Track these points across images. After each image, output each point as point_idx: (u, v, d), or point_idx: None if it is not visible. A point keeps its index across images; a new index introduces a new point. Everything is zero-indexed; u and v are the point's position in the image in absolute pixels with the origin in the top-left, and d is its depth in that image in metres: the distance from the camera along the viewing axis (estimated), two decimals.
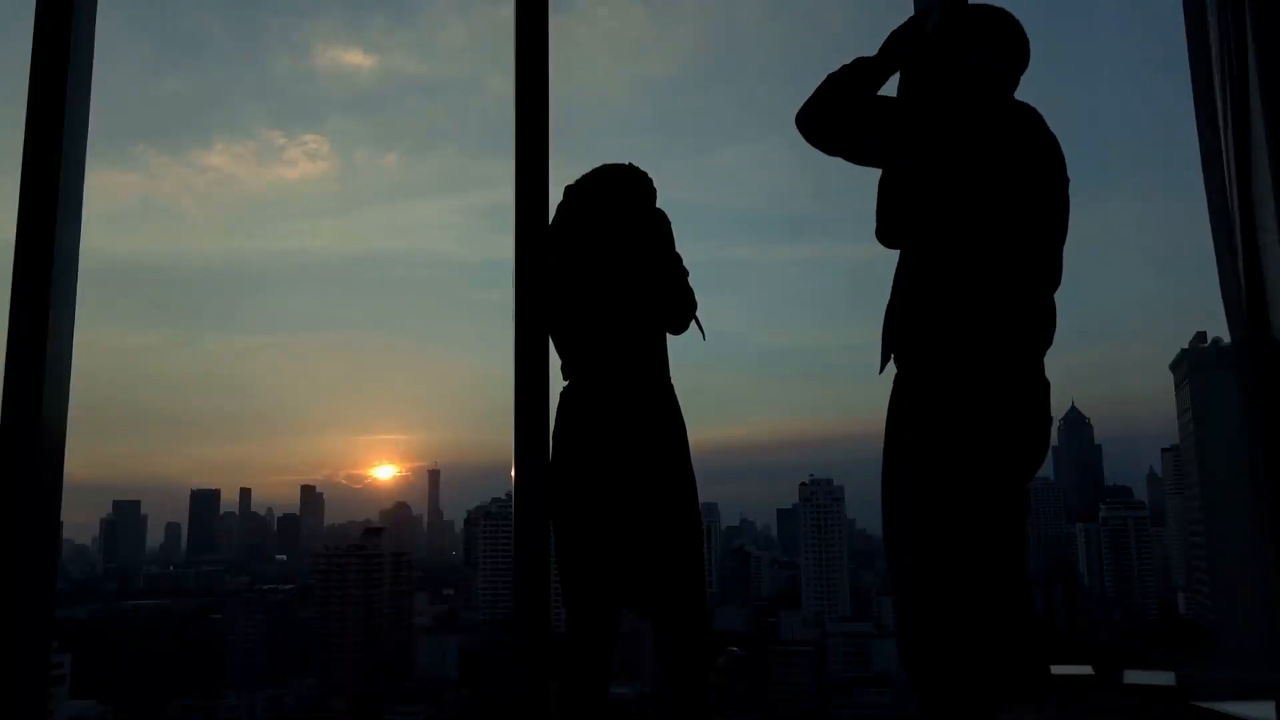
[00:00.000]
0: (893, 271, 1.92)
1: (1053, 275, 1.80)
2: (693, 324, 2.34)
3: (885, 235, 1.88)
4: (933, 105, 1.84)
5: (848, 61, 1.90)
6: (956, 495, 1.70)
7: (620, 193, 2.32)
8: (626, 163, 2.36)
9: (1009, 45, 1.89)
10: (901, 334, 1.84)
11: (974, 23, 1.90)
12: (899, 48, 1.90)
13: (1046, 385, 1.79)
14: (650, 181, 2.36)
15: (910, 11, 2.68)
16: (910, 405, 1.80)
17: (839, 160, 1.94)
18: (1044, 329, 1.79)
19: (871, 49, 1.92)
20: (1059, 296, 1.82)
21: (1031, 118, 1.82)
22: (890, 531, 1.83)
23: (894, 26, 1.94)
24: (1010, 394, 1.74)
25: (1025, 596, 1.75)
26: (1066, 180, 1.82)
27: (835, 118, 1.86)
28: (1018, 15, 1.92)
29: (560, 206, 2.40)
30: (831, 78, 1.88)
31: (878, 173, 1.90)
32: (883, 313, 1.91)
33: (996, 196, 1.74)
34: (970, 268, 1.75)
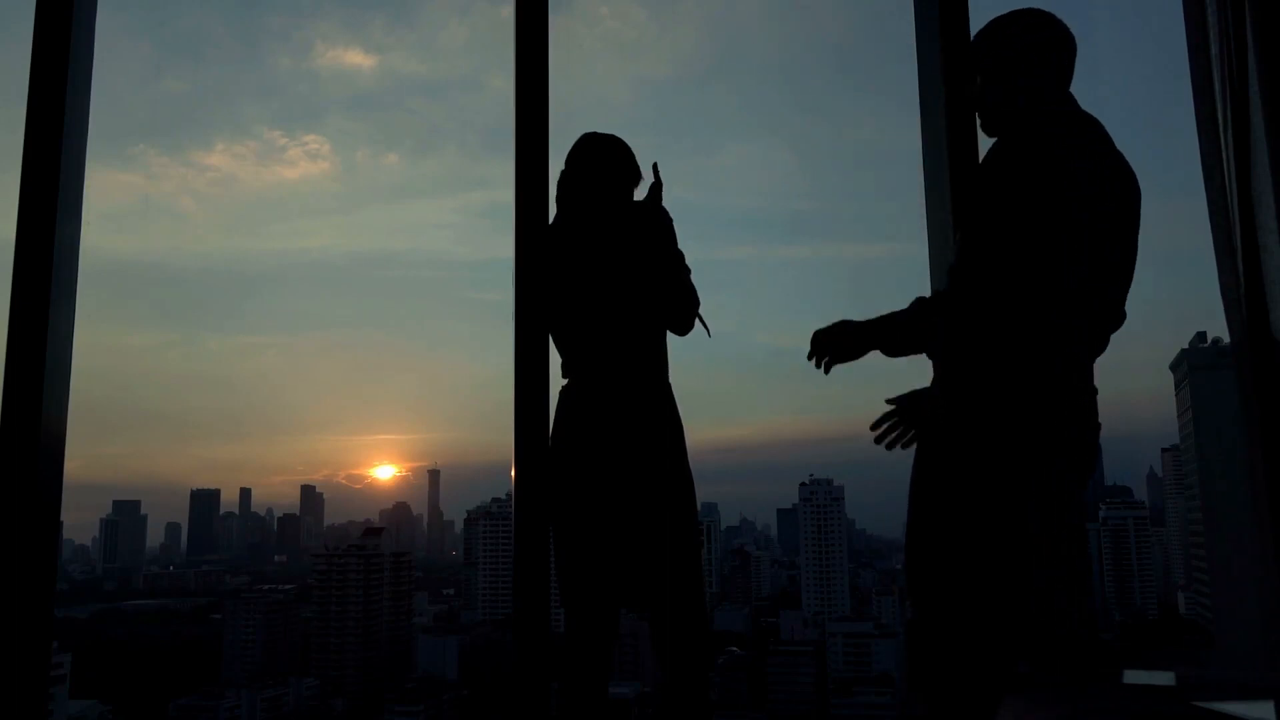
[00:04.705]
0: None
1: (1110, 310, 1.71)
2: (698, 322, 2.32)
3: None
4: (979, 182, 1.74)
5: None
6: (996, 499, 1.66)
7: (607, 176, 2.30)
8: (608, 135, 2.33)
9: (1048, 50, 1.76)
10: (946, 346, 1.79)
11: (1003, 41, 1.78)
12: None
13: (1090, 388, 1.72)
14: (626, 150, 2.32)
15: (910, 13, 2.67)
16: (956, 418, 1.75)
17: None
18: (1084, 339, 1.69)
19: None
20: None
21: (1090, 134, 1.70)
22: (920, 533, 1.80)
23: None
24: (1056, 404, 1.66)
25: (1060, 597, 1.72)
26: (1131, 206, 1.70)
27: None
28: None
29: (557, 203, 2.39)
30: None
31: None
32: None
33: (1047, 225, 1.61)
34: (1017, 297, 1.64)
